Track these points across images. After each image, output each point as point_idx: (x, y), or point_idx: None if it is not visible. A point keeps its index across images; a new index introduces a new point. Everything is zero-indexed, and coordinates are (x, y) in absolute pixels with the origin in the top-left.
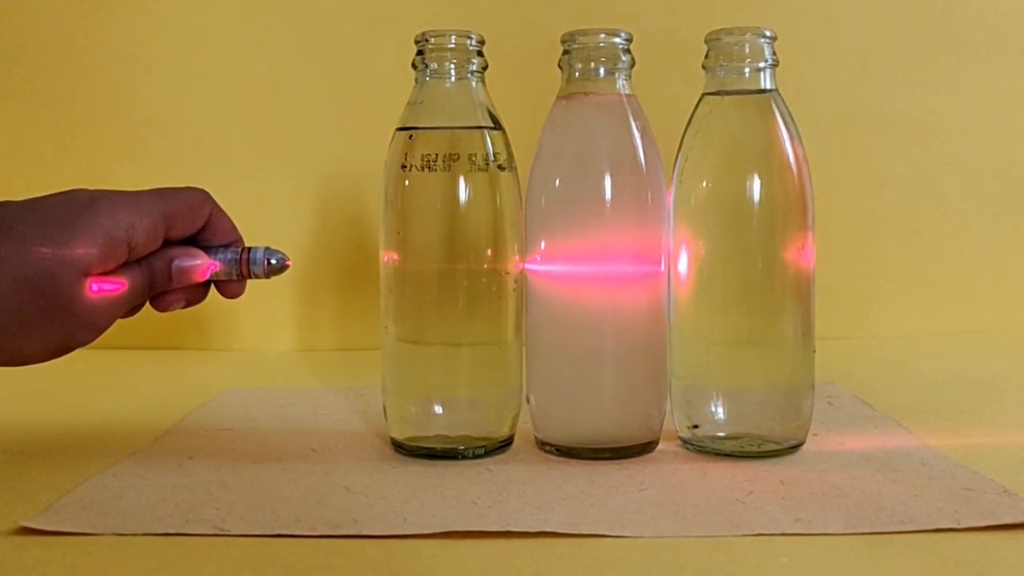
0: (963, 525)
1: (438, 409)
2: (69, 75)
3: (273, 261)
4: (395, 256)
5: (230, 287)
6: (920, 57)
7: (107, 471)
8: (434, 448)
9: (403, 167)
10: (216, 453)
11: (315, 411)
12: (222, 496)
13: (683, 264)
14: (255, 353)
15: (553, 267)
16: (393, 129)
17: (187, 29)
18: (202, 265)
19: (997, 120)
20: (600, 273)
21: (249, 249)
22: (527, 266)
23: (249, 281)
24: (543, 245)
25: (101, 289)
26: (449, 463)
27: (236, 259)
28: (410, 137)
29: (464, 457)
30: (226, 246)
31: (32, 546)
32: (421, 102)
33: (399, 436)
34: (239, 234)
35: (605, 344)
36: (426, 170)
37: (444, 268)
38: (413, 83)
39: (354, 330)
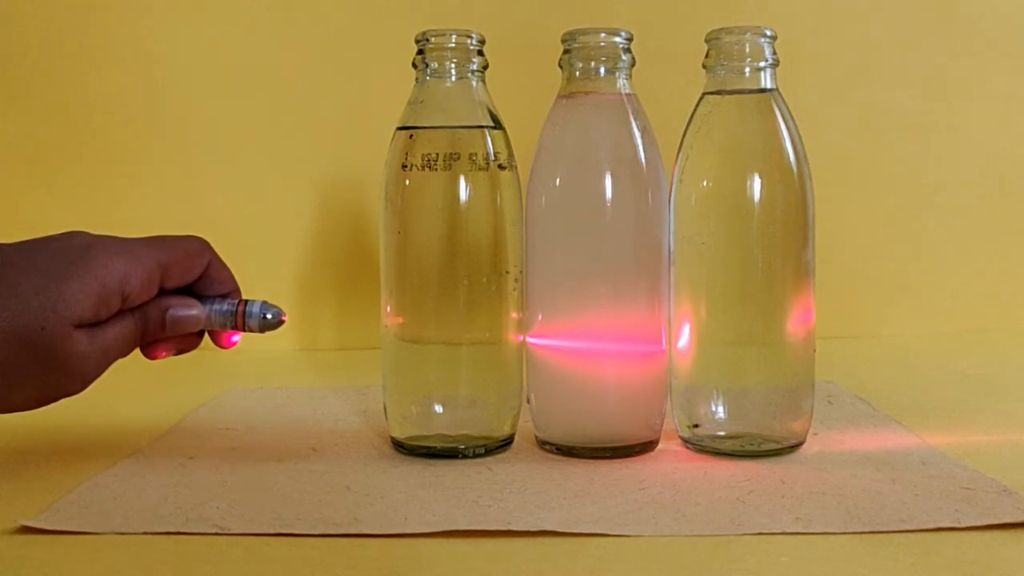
0: (963, 524)
1: (438, 408)
2: (69, 76)
3: (269, 316)
4: (395, 255)
5: (224, 337)
6: (920, 56)
7: (108, 470)
8: (434, 447)
9: (404, 166)
10: (217, 452)
11: (315, 410)
12: (223, 495)
13: (683, 263)
14: (255, 352)
15: (553, 266)
16: (394, 128)
17: (187, 29)
18: (196, 315)
19: (997, 119)
20: (600, 272)
21: (246, 302)
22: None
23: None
24: (544, 248)
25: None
26: (449, 462)
27: (232, 311)
28: (411, 136)
29: (464, 456)
30: (223, 296)
31: (33, 545)
32: (422, 101)
33: (399, 435)
34: (237, 284)
35: (606, 344)
36: (427, 169)
37: (444, 267)
38: (414, 82)
39: (354, 329)
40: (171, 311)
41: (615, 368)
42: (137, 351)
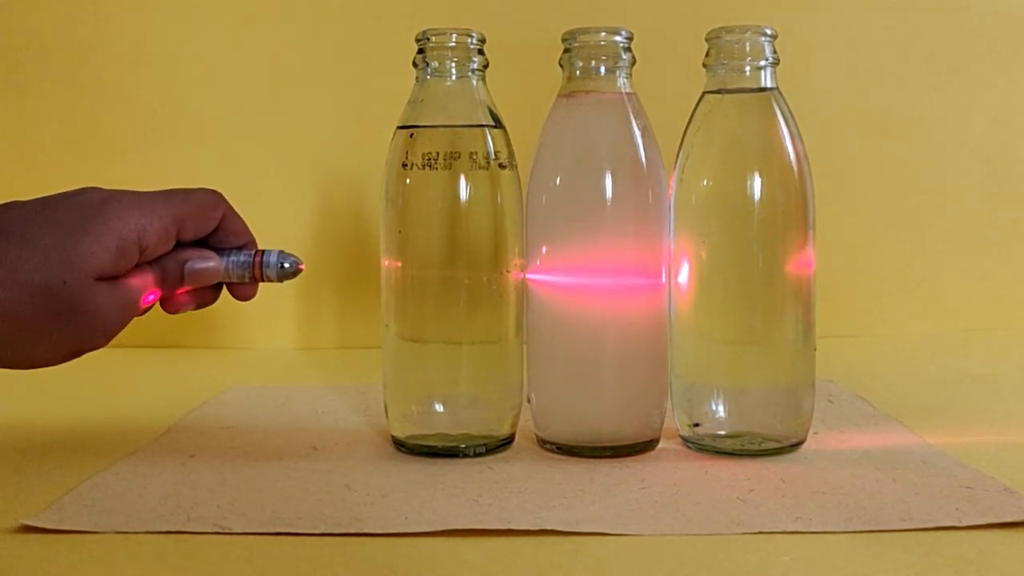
0: (964, 523)
1: (439, 407)
2: (70, 73)
3: (286, 265)
4: (396, 254)
5: (242, 289)
6: (921, 55)
7: (109, 469)
8: (435, 446)
9: (404, 165)
10: (218, 451)
11: (316, 409)
12: (223, 494)
13: (684, 263)
14: (256, 351)
15: (554, 265)
16: (394, 127)
17: (188, 27)
18: (214, 267)
19: (998, 118)
20: (601, 272)
21: (262, 252)
22: (529, 271)
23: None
24: (544, 245)
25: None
26: (450, 461)
27: (249, 262)
28: (411, 135)
29: (465, 455)
30: (239, 248)
31: (34, 544)
32: (422, 100)
33: (400, 434)
34: (252, 236)
35: (606, 343)
36: (427, 168)
37: (445, 266)
38: (414, 81)
39: (355, 328)
40: (189, 263)
41: (615, 366)
42: (158, 307)
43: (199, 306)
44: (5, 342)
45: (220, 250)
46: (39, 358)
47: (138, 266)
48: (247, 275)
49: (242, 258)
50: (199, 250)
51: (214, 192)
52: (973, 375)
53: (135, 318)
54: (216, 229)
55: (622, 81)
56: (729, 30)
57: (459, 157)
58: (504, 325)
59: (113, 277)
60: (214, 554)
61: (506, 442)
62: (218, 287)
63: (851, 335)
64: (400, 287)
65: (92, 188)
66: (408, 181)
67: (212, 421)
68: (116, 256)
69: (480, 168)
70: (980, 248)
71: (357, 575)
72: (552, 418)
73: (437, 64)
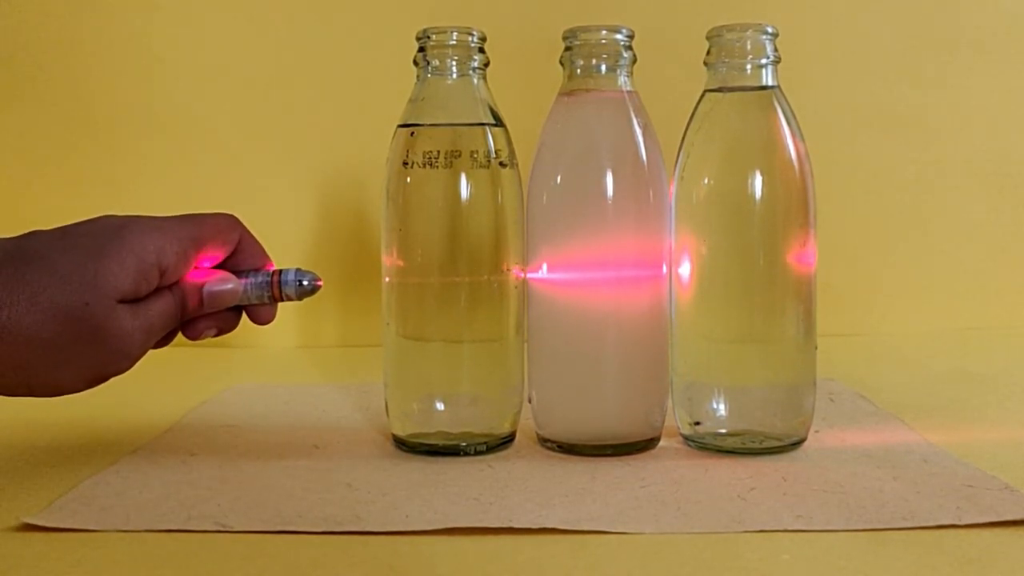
0: (964, 522)
1: (440, 406)
2: (70, 75)
3: (304, 282)
4: (397, 253)
5: (261, 313)
6: (922, 54)
7: (110, 468)
8: (436, 445)
9: (405, 164)
10: (219, 450)
11: (317, 408)
12: (225, 492)
13: (685, 261)
14: (257, 349)
15: (555, 264)
16: (395, 126)
17: (188, 27)
18: (233, 289)
19: (999, 117)
20: (602, 270)
21: (280, 271)
22: (529, 269)
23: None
24: (545, 244)
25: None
26: (451, 460)
27: (267, 282)
28: (412, 134)
29: (466, 454)
30: (256, 270)
31: (35, 542)
32: (423, 99)
33: (401, 433)
34: (270, 258)
35: (607, 341)
36: (428, 167)
37: (446, 265)
38: (415, 80)
39: (356, 326)
40: (207, 286)
41: (616, 364)
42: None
43: (220, 332)
44: (29, 367)
45: (238, 272)
46: (63, 383)
47: (158, 290)
48: (266, 295)
49: (260, 279)
50: (217, 272)
51: (230, 216)
52: (974, 374)
53: (155, 349)
54: (233, 252)
55: (623, 79)
56: (730, 28)
57: (460, 155)
58: (505, 323)
59: (134, 300)
60: (215, 552)
61: (507, 440)
62: (238, 311)
63: (852, 333)
64: (401, 285)
65: (108, 215)
66: (409, 179)
67: (213, 419)
68: (136, 277)
69: (481, 167)
70: (981, 247)
71: (358, 573)
72: (553, 416)
73: (438, 62)
